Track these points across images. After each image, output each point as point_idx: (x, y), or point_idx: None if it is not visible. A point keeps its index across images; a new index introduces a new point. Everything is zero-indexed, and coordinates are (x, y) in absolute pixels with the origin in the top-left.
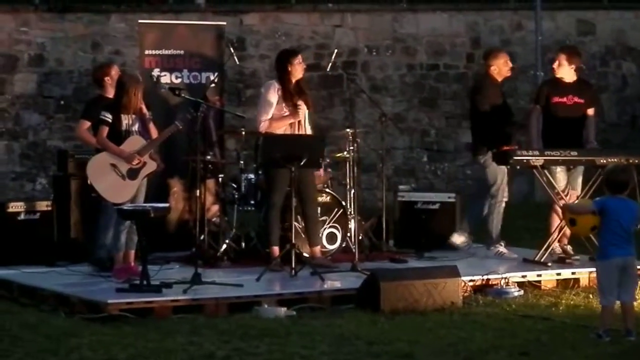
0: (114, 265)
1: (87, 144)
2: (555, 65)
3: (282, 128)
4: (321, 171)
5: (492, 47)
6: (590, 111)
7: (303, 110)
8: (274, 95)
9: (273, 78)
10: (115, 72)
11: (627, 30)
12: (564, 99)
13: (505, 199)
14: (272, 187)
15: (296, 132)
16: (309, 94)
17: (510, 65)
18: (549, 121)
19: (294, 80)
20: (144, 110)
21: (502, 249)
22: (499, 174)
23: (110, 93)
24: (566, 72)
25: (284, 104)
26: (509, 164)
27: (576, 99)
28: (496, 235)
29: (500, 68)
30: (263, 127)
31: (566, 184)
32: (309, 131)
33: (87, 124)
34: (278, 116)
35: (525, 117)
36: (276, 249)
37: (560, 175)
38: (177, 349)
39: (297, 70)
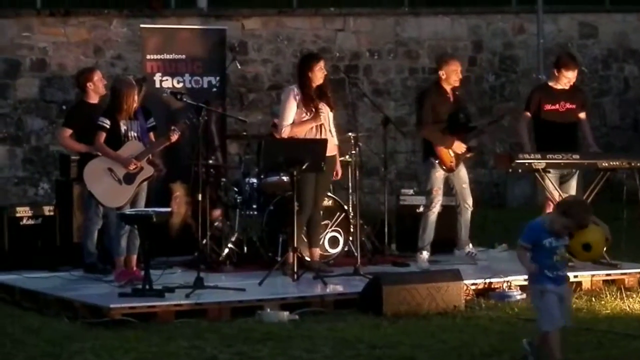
0: (109, 267)
1: (72, 151)
2: (561, 75)
3: (304, 132)
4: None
5: (446, 53)
6: (582, 115)
7: (325, 114)
8: (293, 100)
9: (276, 82)
10: (97, 77)
11: (629, 33)
12: (557, 106)
13: (470, 207)
14: (300, 192)
15: (320, 135)
16: (331, 96)
17: (460, 76)
18: (541, 128)
19: (314, 86)
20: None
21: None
22: (437, 181)
23: (93, 99)
24: (564, 82)
25: (304, 109)
26: (511, 167)
27: (568, 105)
28: (426, 243)
29: (449, 75)
30: (285, 132)
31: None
32: (333, 133)
33: (69, 131)
34: (298, 121)
35: (515, 122)
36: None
37: (549, 182)
38: (179, 353)
39: (317, 77)
